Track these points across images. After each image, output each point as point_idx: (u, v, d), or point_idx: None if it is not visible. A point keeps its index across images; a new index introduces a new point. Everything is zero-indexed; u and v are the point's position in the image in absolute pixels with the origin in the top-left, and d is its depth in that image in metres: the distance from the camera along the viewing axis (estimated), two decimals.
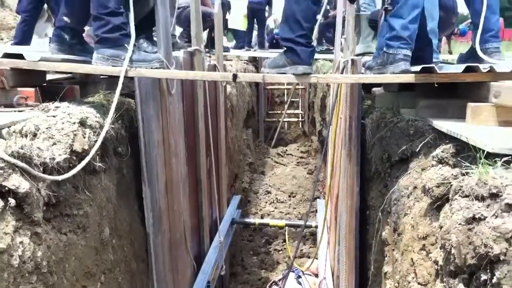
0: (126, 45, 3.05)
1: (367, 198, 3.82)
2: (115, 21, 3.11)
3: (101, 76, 3.73)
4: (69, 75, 3.84)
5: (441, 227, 2.01)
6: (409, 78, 2.96)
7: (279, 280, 5.36)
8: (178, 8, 5.59)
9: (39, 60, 3.02)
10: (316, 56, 8.46)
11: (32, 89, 2.95)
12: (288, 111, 13.82)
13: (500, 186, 1.67)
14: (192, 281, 4.63)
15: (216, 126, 5.97)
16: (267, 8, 13.12)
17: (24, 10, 6.23)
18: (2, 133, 2.32)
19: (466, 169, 1.99)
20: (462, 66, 2.84)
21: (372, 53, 5.34)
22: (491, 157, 1.93)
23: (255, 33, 13.35)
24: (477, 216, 1.68)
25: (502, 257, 1.54)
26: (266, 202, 9.27)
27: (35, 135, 2.38)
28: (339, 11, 5.45)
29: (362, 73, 3.62)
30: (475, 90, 2.85)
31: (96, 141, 2.60)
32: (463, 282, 1.79)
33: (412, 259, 2.47)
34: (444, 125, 2.56)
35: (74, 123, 2.55)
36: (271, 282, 5.57)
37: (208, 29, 7.89)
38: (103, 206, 2.82)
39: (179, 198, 4.04)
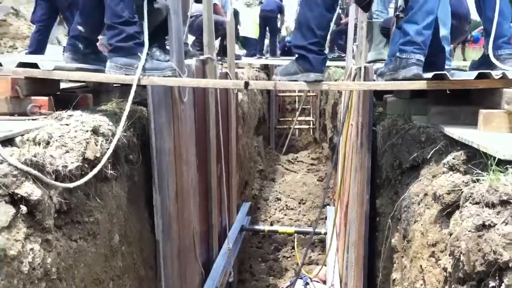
0: (139, 53, 3.08)
1: (377, 205, 3.81)
2: (129, 30, 3.15)
3: (114, 85, 3.76)
4: (82, 83, 3.88)
5: (450, 234, 2.00)
6: (421, 85, 2.95)
7: (287, 287, 5.36)
8: (191, 17, 5.63)
9: (53, 69, 3.06)
10: (328, 63, 8.45)
11: (46, 98, 2.98)
12: (299, 118, 13.82)
13: (511, 193, 1.67)
14: (200, 287, 4.64)
15: (227, 133, 5.99)
16: (279, 16, 13.17)
17: (38, 20, 6.31)
18: (16, 141, 2.35)
19: (477, 176, 1.98)
20: (475, 73, 2.83)
21: (384, 60, 5.34)
22: (502, 164, 1.92)
23: (266, 41, 13.40)
24: (487, 223, 1.67)
25: (511, 264, 1.53)
26: (275, 209, 9.26)
27: (48, 143, 2.40)
28: (351, 18, 5.47)
29: (374, 80, 3.62)
30: (488, 96, 2.84)
31: (108, 148, 2.62)
32: None
33: (421, 266, 2.46)
34: (455, 132, 2.55)
35: (86, 131, 2.58)
36: None
37: (220, 38, 7.94)
38: (114, 213, 2.83)
39: (189, 205, 4.06)
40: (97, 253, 2.56)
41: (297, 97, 14.86)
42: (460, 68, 5.40)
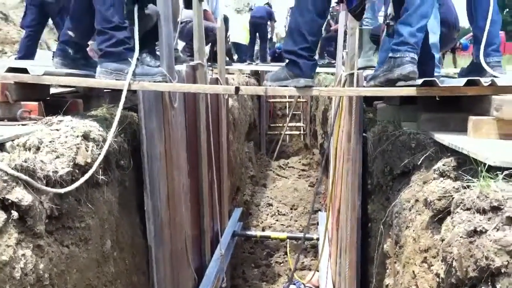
0: (129, 59, 3.07)
1: (369, 211, 3.82)
2: (119, 35, 3.14)
3: (105, 90, 3.75)
4: (72, 89, 3.86)
5: (442, 240, 2.01)
6: (411, 91, 2.97)
7: None
8: (181, 23, 5.63)
9: (43, 74, 3.05)
10: (318, 69, 8.49)
11: (36, 103, 2.97)
12: (290, 124, 13.84)
13: (501, 199, 1.68)
14: None
15: (218, 139, 5.99)
16: (269, 22, 13.21)
17: (28, 25, 6.29)
18: (6, 146, 2.33)
19: (467, 182, 2.00)
20: (464, 80, 2.85)
21: (374, 67, 5.37)
22: (492, 170, 1.93)
23: (257, 47, 13.43)
24: (478, 229, 1.68)
25: (503, 270, 1.54)
26: (267, 215, 9.26)
27: (38, 148, 2.39)
28: (341, 25, 5.49)
29: (364, 87, 3.64)
30: (477, 103, 2.86)
31: (99, 154, 2.61)
32: None
33: (413, 271, 2.46)
34: (445, 138, 2.57)
35: (77, 136, 2.57)
36: None
37: (210, 44, 7.95)
38: (105, 218, 2.82)
39: (181, 210, 4.05)
40: (89, 258, 2.54)
41: (287, 103, 14.89)
42: (450, 75, 5.43)
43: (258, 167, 11.98)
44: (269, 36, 13.88)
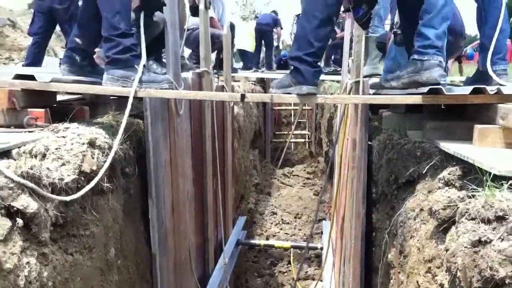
0: (136, 66, 3.09)
1: (373, 220, 3.81)
2: (125, 42, 3.15)
3: (111, 97, 3.77)
4: (79, 96, 3.88)
5: (447, 250, 2.00)
6: (416, 100, 2.97)
7: None
8: (187, 30, 5.65)
9: (50, 81, 3.06)
10: (323, 77, 8.51)
11: (42, 110, 2.98)
12: (295, 132, 13.85)
13: (507, 209, 1.67)
14: None
15: (223, 146, 6.00)
16: (274, 29, 13.24)
17: (35, 33, 6.33)
18: (12, 153, 2.34)
19: (472, 191, 1.99)
20: (469, 88, 2.85)
21: (380, 74, 5.37)
22: (497, 179, 1.92)
23: (262, 54, 13.46)
24: (483, 239, 1.67)
25: (507, 281, 1.53)
26: (271, 223, 9.24)
27: (44, 155, 2.40)
28: (347, 33, 5.50)
29: (370, 94, 3.64)
30: (482, 112, 2.85)
31: (104, 161, 2.62)
32: None
33: (417, 281, 2.45)
34: (451, 147, 2.56)
35: (83, 144, 2.57)
36: None
37: (216, 51, 7.97)
38: (110, 226, 2.82)
39: (185, 218, 4.05)
40: (93, 266, 2.54)
41: (292, 111, 14.90)
42: (455, 83, 5.43)
43: (263, 175, 11.97)
44: (275, 43, 13.91)
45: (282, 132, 14.81)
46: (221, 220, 5.62)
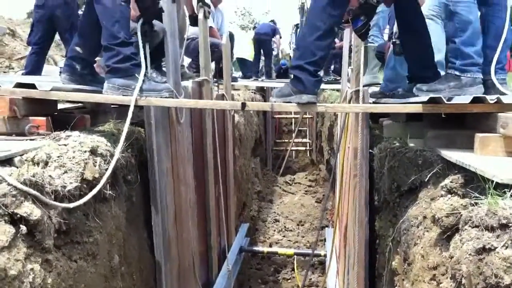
0: (136, 75, 3.10)
1: (376, 228, 3.81)
2: (125, 51, 3.17)
3: (112, 106, 3.77)
4: (79, 104, 3.89)
5: (451, 257, 2.00)
6: (416, 108, 2.98)
7: None
8: (187, 39, 5.68)
9: (51, 90, 3.07)
10: (323, 86, 8.54)
11: (44, 118, 2.99)
12: (296, 140, 13.84)
13: (510, 217, 1.68)
14: None
15: (224, 154, 6.00)
16: (274, 39, 13.27)
17: (35, 42, 6.31)
18: (15, 161, 2.35)
19: (475, 199, 1.99)
20: (470, 97, 2.86)
21: (379, 84, 5.38)
22: (500, 187, 1.93)
23: (262, 63, 13.50)
24: (487, 247, 1.67)
25: None
26: (274, 231, 9.23)
27: (46, 163, 2.40)
28: (346, 42, 5.52)
29: (371, 103, 3.65)
30: (483, 121, 2.86)
31: (106, 169, 2.63)
32: None
33: None
34: (453, 155, 2.57)
35: (85, 151, 2.58)
36: None
37: (215, 60, 8.00)
38: (113, 233, 2.83)
39: (188, 226, 4.05)
40: (97, 273, 2.54)
41: (293, 119, 14.91)
42: None
43: (265, 182, 11.96)
44: (275, 52, 13.95)
45: (283, 140, 14.79)
46: (224, 227, 5.62)
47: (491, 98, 2.76)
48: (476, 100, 2.81)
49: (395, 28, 3.93)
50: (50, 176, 2.23)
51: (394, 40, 3.97)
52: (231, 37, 9.40)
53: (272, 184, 12.17)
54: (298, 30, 15.25)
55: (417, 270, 2.54)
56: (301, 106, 3.06)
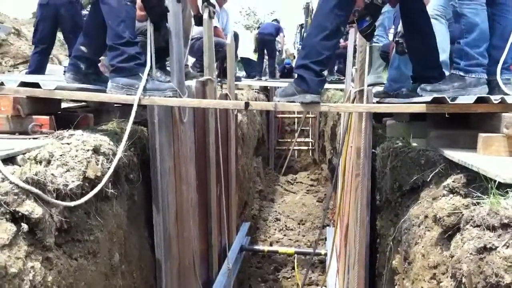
0: (140, 74, 3.10)
1: (377, 227, 3.80)
2: (130, 51, 3.17)
3: (115, 105, 3.78)
4: (83, 103, 3.90)
5: (452, 257, 2.00)
6: (420, 108, 2.97)
7: None
8: (192, 39, 5.68)
9: (55, 89, 3.08)
10: (327, 86, 8.53)
11: (47, 117, 2.99)
12: (298, 139, 13.86)
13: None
14: None
15: (226, 154, 6.01)
16: (277, 38, 13.25)
17: (39, 41, 6.33)
18: (17, 159, 2.35)
19: (477, 199, 1.99)
20: (473, 97, 2.85)
21: (383, 83, 5.37)
22: (502, 187, 1.92)
23: (265, 63, 13.49)
24: (488, 246, 1.67)
25: None
26: (275, 229, 9.23)
27: (49, 162, 2.40)
28: (350, 42, 5.52)
29: (374, 103, 3.64)
30: (486, 121, 2.85)
31: (109, 168, 2.63)
32: None
33: None
34: (455, 155, 2.56)
35: (87, 150, 2.59)
36: None
37: (220, 59, 8.00)
38: (114, 232, 2.83)
39: (189, 224, 4.05)
40: (97, 271, 2.55)
41: (296, 119, 14.91)
42: None
43: (266, 182, 11.97)
44: (279, 47, 13.91)
45: (286, 140, 14.80)
46: (225, 226, 5.62)
47: (495, 98, 2.76)
48: (480, 100, 2.80)
49: (399, 27, 3.93)
50: (52, 174, 2.24)
51: (397, 39, 3.97)
52: (236, 36, 9.41)
53: (273, 183, 12.18)
54: (303, 30, 15.27)
55: (417, 269, 2.54)
56: (305, 105, 3.06)
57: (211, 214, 5.10)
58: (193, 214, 4.22)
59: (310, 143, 14.35)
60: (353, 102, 3.88)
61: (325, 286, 5.54)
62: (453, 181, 2.36)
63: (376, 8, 3.08)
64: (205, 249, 5.06)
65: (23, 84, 3.11)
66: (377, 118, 4.30)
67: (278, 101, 3.15)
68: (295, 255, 7.43)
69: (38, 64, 6.30)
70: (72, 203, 2.23)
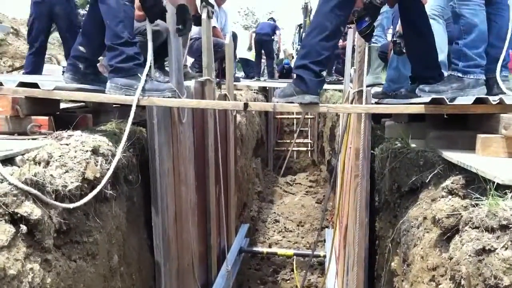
0: (139, 74, 3.10)
1: (376, 228, 3.81)
2: (129, 51, 3.17)
3: (114, 105, 3.78)
4: (82, 104, 3.89)
5: (451, 258, 2.00)
6: (419, 109, 2.97)
7: None
8: (190, 39, 5.68)
9: (53, 89, 3.08)
10: (326, 86, 8.53)
11: (46, 118, 2.99)
12: (297, 140, 13.84)
13: (510, 218, 1.68)
14: None
15: (225, 155, 6.00)
16: (274, 37, 13.19)
17: (35, 41, 6.26)
18: (16, 160, 2.35)
19: (476, 200, 1.99)
20: (472, 98, 2.85)
21: (381, 84, 5.38)
22: (501, 188, 1.92)
23: (263, 63, 13.48)
24: (487, 248, 1.67)
25: None
26: (274, 231, 9.22)
27: (48, 162, 2.40)
28: (349, 43, 5.52)
29: (373, 103, 3.64)
30: (485, 121, 2.86)
31: (108, 169, 2.63)
32: None
33: None
34: (454, 156, 2.57)
35: (86, 151, 2.58)
36: None
37: (218, 60, 8.00)
38: (113, 233, 2.83)
39: (188, 226, 4.05)
40: (96, 273, 2.55)
41: (295, 119, 14.91)
42: None
43: (265, 183, 11.96)
44: (276, 45, 13.87)
45: (285, 141, 14.79)
46: (224, 228, 5.62)
47: (493, 99, 2.76)
48: (478, 101, 2.80)
49: (398, 27, 3.93)
50: (51, 175, 2.24)
51: (394, 39, 3.98)
52: (234, 37, 9.41)
53: (272, 185, 12.17)
54: (301, 30, 15.27)
55: (416, 271, 2.54)
56: (304, 106, 3.06)
57: (210, 216, 5.10)
58: (192, 216, 4.22)
59: (309, 144, 14.35)
60: (351, 102, 3.88)
61: None
62: (451, 183, 2.37)
63: (375, 8, 3.08)
64: (204, 250, 5.05)
65: (22, 84, 3.11)
66: (376, 119, 4.30)
67: (277, 102, 3.15)
68: (294, 257, 7.42)
69: (35, 65, 6.23)
70: (71, 205, 2.23)
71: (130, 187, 3.20)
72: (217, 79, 6.29)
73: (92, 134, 2.86)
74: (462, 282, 1.80)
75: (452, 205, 2.19)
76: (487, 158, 2.49)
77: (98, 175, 2.57)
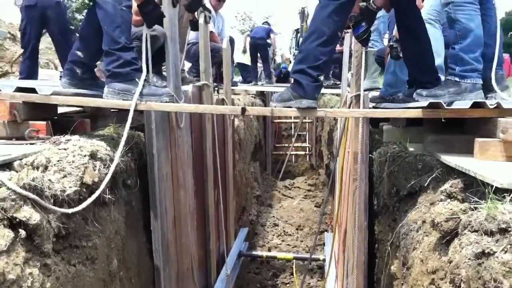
0: (136, 79, 3.10)
1: (375, 232, 3.81)
2: (126, 56, 3.17)
3: (111, 110, 3.78)
4: (79, 108, 3.89)
5: (450, 262, 2.00)
6: (416, 113, 2.98)
7: None
8: (188, 44, 5.69)
9: (51, 94, 3.07)
10: (323, 90, 8.53)
11: (44, 122, 2.99)
12: (296, 144, 13.84)
13: (509, 221, 1.68)
14: None
15: (224, 159, 6.00)
16: (269, 40, 13.16)
17: (27, 46, 6.23)
18: (14, 165, 2.35)
19: (475, 204, 1.99)
20: (469, 102, 2.86)
21: (379, 88, 5.39)
22: (499, 192, 1.93)
23: (260, 68, 13.46)
24: (486, 251, 1.67)
25: None
26: (273, 235, 9.21)
27: (46, 167, 2.40)
28: (346, 47, 5.53)
29: (370, 108, 3.65)
30: (483, 125, 2.86)
31: (106, 173, 2.63)
32: None
33: None
34: (452, 160, 2.57)
35: (84, 156, 2.58)
36: None
37: (216, 64, 8.00)
38: (112, 238, 2.82)
39: (187, 230, 4.04)
40: (95, 278, 2.54)
41: (293, 124, 14.91)
42: None
43: (264, 187, 11.96)
44: (272, 49, 13.85)
45: (283, 145, 14.79)
46: (223, 232, 5.62)
47: (491, 103, 2.77)
48: (476, 105, 2.81)
49: (394, 32, 3.94)
50: (49, 180, 2.23)
51: (391, 44, 3.99)
52: (232, 42, 9.42)
53: (271, 189, 12.17)
54: (299, 35, 15.28)
55: (416, 275, 2.54)
56: (301, 111, 3.06)
57: (209, 220, 5.09)
58: (191, 220, 4.21)
59: (307, 148, 14.35)
60: (349, 107, 3.88)
61: None
62: (450, 186, 2.37)
63: (371, 13, 3.10)
64: (203, 255, 5.05)
65: (19, 89, 3.10)
66: (374, 123, 4.31)
67: (275, 106, 3.15)
68: (294, 260, 7.42)
69: (29, 69, 6.21)
70: (70, 210, 2.22)
71: (128, 192, 3.20)
72: (215, 84, 6.30)
73: (90, 139, 2.86)
74: (462, 285, 1.80)
75: (451, 209, 2.20)
76: (485, 162, 2.50)
77: (96, 179, 2.57)
